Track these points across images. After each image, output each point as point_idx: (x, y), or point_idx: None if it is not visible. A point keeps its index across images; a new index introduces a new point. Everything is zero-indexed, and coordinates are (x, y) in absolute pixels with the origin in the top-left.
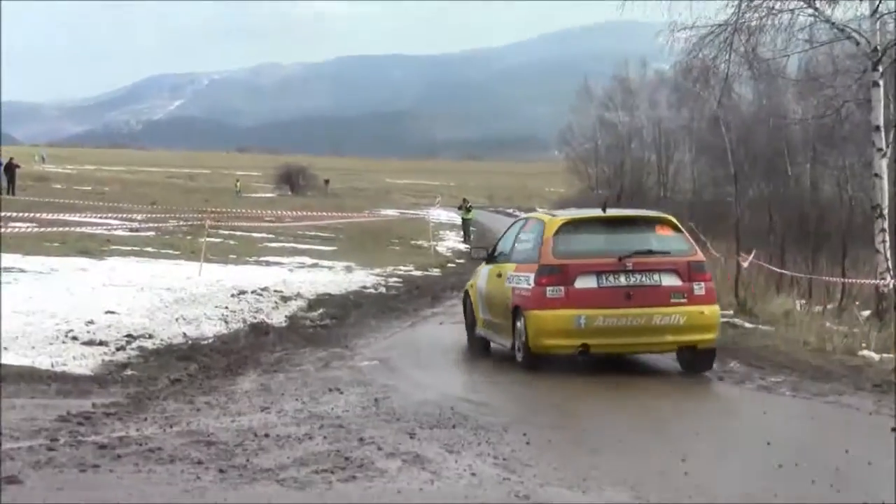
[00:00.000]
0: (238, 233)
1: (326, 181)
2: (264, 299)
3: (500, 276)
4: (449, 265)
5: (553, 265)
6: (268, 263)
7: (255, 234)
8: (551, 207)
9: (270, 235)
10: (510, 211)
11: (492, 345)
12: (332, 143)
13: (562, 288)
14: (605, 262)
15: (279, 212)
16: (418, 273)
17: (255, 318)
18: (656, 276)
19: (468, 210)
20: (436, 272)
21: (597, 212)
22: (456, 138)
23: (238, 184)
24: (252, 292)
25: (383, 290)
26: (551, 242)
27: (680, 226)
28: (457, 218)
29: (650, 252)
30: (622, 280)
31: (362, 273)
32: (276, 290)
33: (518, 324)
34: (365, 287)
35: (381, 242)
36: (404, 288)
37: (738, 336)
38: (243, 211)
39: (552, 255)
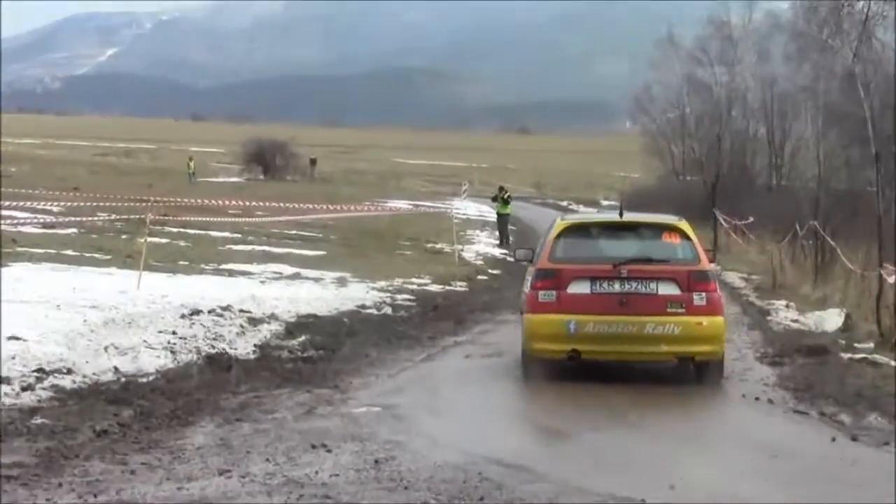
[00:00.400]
0: (191, 231)
1: (313, 161)
2: (226, 322)
3: (525, 279)
4: (479, 277)
5: (548, 269)
6: (231, 273)
7: (214, 233)
8: (621, 200)
9: (236, 235)
10: (564, 204)
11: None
12: (323, 110)
13: (554, 292)
14: (600, 268)
15: (248, 202)
16: (437, 288)
17: (214, 347)
18: (652, 285)
19: (505, 202)
20: (461, 286)
21: (612, 216)
22: (491, 104)
23: (192, 164)
24: (209, 312)
25: (388, 310)
26: (552, 246)
27: (690, 233)
28: (490, 213)
29: (648, 260)
30: (616, 287)
31: (360, 287)
32: (242, 310)
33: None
34: (364, 306)
35: (387, 246)
36: (417, 308)
37: (878, 378)
38: (199, 201)
39: (548, 259)
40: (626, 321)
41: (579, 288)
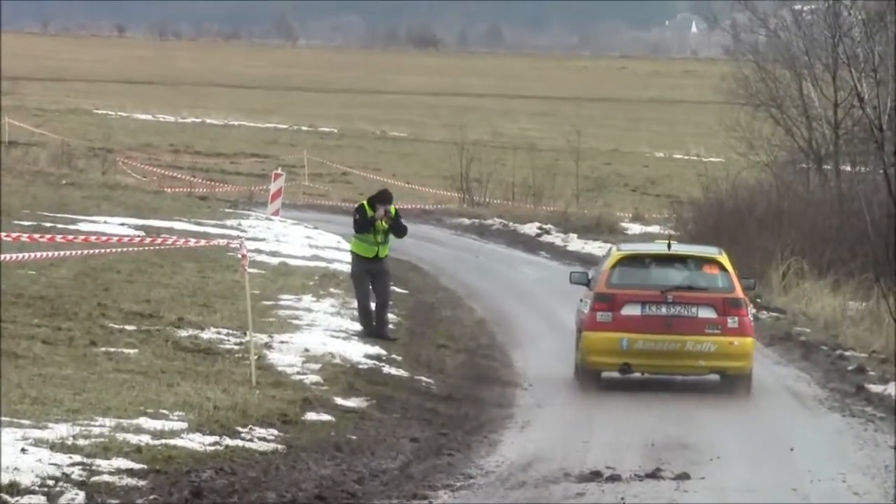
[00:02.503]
0: None
1: None
2: None
3: (581, 301)
4: (312, 416)
5: (605, 293)
6: None
7: None
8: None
9: None
10: (531, 235)
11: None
12: None
13: (610, 313)
14: (650, 293)
15: None
16: (201, 444)
17: None
18: (694, 309)
19: (387, 232)
20: (265, 441)
21: (660, 247)
22: None
23: None
24: None
25: None
26: (608, 274)
27: (728, 266)
28: (339, 253)
29: (690, 287)
30: (663, 310)
31: (6, 439)
32: None
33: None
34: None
35: (81, 333)
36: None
37: None
38: None
39: (605, 285)
40: (671, 339)
41: (632, 310)
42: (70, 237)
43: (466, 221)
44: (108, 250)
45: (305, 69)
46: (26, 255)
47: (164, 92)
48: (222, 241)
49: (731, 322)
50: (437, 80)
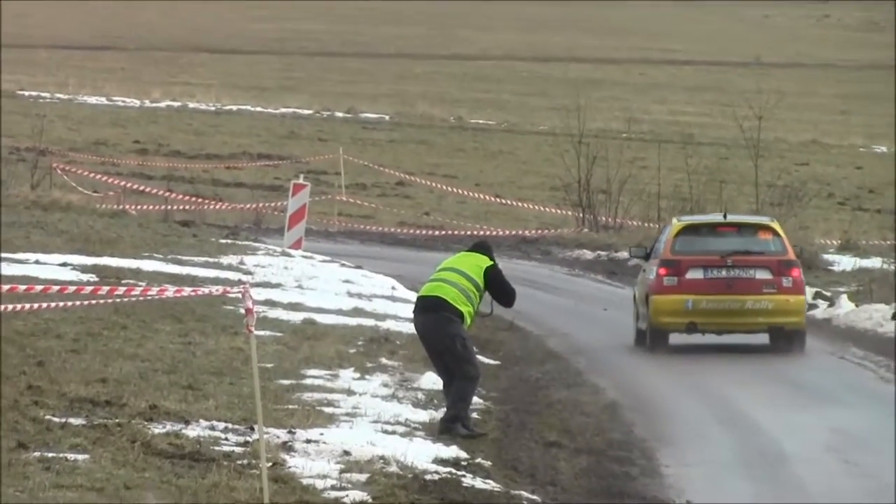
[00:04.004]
0: None
1: None
2: None
3: (644, 271)
4: None
5: (670, 259)
6: None
7: None
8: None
9: None
10: None
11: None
12: None
13: (676, 278)
14: (711, 258)
15: None
16: None
17: None
18: (751, 271)
19: (482, 285)
20: None
21: (717, 217)
22: None
23: None
24: None
25: None
26: (672, 242)
27: (780, 231)
28: (398, 305)
29: (747, 252)
30: (723, 273)
31: None
32: None
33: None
34: None
35: None
36: None
37: None
38: None
39: (670, 252)
40: (732, 299)
41: (695, 274)
42: None
43: (588, 255)
44: (42, 304)
45: (337, 23)
46: None
47: (125, 62)
48: (216, 289)
49: (786, 282)
50: (537, 39)
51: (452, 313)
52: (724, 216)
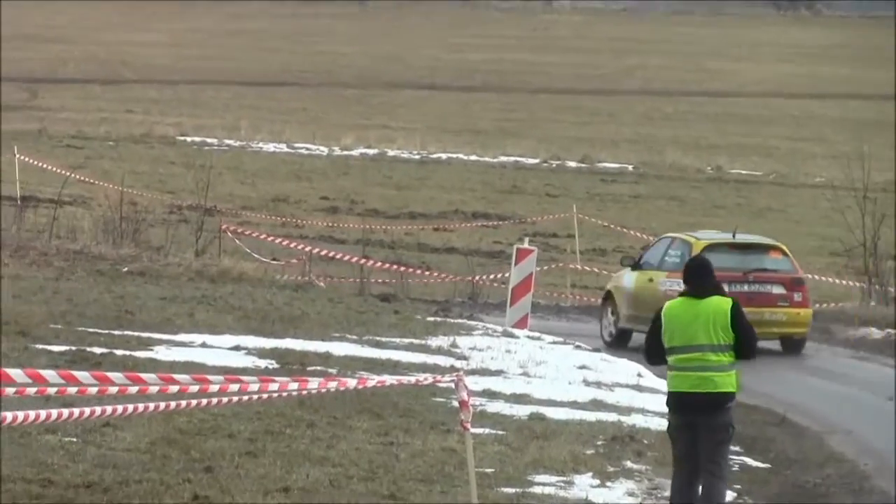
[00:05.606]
0: None
1: None
2: None
3: (651, 280)
4: None
5: None
6: None
7: None
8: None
9: None
10: None
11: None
12: None
13: None
14: (734, 274)
15: None
16: None
17: None
18: (768, 287)
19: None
20: None
21: (727, 236)
22: None
23: None
24: None
25: None
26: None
27: (788, 252)
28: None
29: (765, 270)
30: (745, 288)
31: None
32: None
33: None
34: None
35: None
36: None
37: None
38: None
39: None
40: (752, 311)
41: None
42: (139, 376)
43: (876, 333)
44: (209, 401)
45: (567, 54)
46: (59, 412)
47: (308, 100)
48: (423, 378)
49: (797, 297)
50: (810, 71)
51: (725, 400)
52: (734, 235)
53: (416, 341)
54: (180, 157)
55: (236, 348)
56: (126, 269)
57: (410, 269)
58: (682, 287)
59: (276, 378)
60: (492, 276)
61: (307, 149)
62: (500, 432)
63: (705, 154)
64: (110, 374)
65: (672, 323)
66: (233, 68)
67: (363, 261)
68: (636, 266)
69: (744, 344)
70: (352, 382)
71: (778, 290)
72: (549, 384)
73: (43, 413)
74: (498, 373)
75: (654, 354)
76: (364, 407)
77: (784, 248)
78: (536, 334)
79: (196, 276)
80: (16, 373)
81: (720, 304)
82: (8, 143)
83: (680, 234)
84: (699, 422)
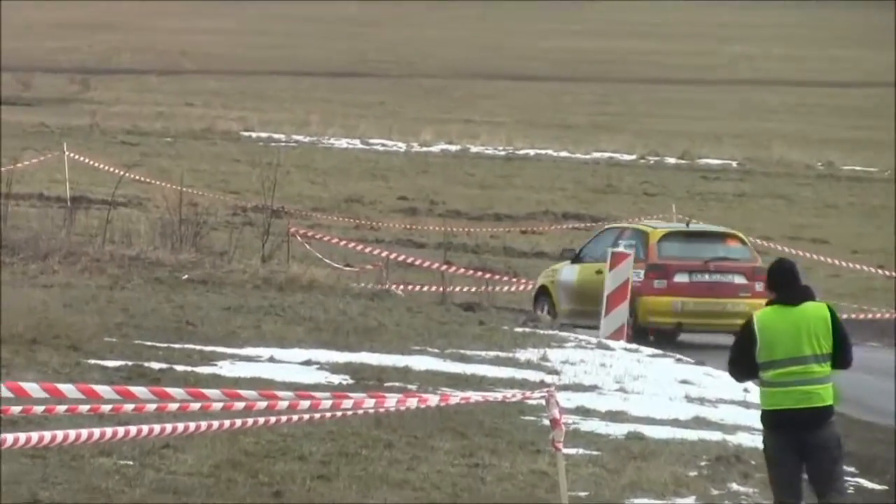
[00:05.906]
0: None
1: None
2: None
3: (599, 272)
4: None
5: (659, 264)
6: None
7: None
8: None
9: None
10: None
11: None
12: None
13: (665, 280)
14: (695, 263)
15: None
16: None
17: None
18: (730, 276)
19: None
20: None
21: (681, 226)
22: None
23: None
24: None
25: None
26: (655, 247)
27: (745, 240)
28: None
29: (725, 258)
30: (706, 277)
31: None
32: None
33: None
34: None
35: None
36: None
37: None
38: None
39: (657, 257)
40: (714, 302)
41: (682, 278)
42: (201, 392)
43: None
44: (278, 419)
45: (667, 41)
46: (113, 431)
47: (385, 93)
48: (511, 395)
49: (759, 286)
50: None
51: (830, 414)
52: (688, 224)
53: (502, 354)
54: (244, 155)
55: (307, 363)
56: (186, 276)
57: (496, 276)
58: (642, 278)
59: (351, 395)
60: None
61: (383, 145)
62: (595, 453)
63: (816, 149)
64: (170, 390)
65: (769, 335)
66: (302, 57)
67: (444, 267)
68: (577, 259)
69: (845, 353)
70: (433, 399)
71: (739, 279)
72: (648, 400)
73: (97, 432)
74: (592, 388)
75: (743, 371)
76: (447, 426)
77: (741, 235)
78: (634, 346)
79: (262, 284)
80: (67, 388)
81: (818, 311)
82: (57, 140)
83: (627, 223)
84: (807, 440)
